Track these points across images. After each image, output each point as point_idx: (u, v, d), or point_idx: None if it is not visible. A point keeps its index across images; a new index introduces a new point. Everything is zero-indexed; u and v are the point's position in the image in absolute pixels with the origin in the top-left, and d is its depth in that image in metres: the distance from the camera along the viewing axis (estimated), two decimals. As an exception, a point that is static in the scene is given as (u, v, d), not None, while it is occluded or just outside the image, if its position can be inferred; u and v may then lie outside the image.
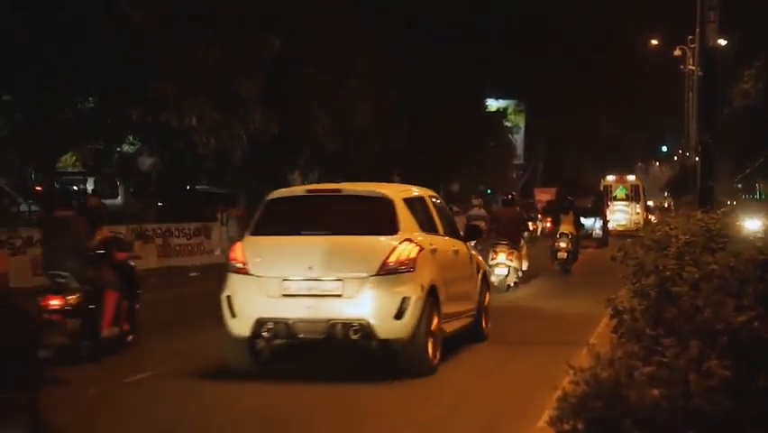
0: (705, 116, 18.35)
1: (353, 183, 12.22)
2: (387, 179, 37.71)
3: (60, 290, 10.73)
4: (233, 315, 9.98)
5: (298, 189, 12.58)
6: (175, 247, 24.71)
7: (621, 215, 44.37)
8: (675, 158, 76.92)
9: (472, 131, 43.91)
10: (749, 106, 51.39)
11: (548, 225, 33.88)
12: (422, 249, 10.16)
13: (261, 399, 9.08)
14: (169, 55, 22.12)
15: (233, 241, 25.53)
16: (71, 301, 10.61)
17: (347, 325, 9.68)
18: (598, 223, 35.27)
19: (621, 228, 40.92)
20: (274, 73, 25.38)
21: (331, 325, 9.69)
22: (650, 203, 57.48)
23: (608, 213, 40.18)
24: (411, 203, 10.88)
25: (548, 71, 51.13)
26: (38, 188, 28.08)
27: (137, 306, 12.01)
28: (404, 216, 10.39)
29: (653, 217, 42.26)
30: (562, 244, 22.79)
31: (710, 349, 3.89)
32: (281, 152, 29.16)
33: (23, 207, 26.89)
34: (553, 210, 26.92)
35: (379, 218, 10.35)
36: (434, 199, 11.88)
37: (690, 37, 38.91)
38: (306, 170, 35.98)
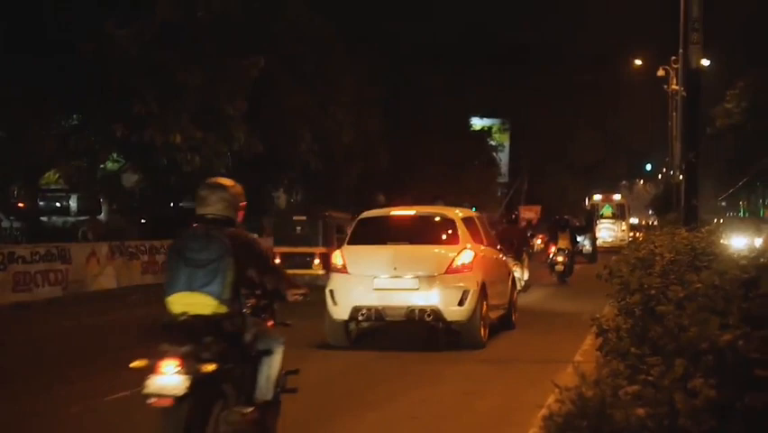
0: (689, 135, 18.40)
1: (424, 206, 16.27)
2: (372, 198, 37.84)
3: None
4: (335, 303, 13.08)
5: (383, 211, 15.72)
6: (159, 264, 24.61)
7: (607, 232, 46.34)
8: (659, 176, 77.24)
9: (457, 149, 44.00)
10: (732, 126, 51.73)
11: (539, 242, 34.95)
12: (476, 255, 13.55)
13: (354, 360, 12.37)
14: (153, 76, 22.12)
15: None
16: None
17: (422, 310, 12.96)
18: (588, 240, 36.80)
19: (607, 245, 42.36)
20: (258, 93, 25.40)
21: (410, 310, 12.99)
22: (634, 220, 58.24)
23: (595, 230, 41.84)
24: (466, 221, 14.28)
25: (531, 91, 51.39)
26: (20, 205, 27.99)
27: None
28: (462, 231, 13.78)
29: (639, 235, 42.71)
30: (560, 258, 25.63)
31: (695, 368, 3.88)
32: (266, 170, 29.15)
33: (5, 224, 26.78)
34: (551, 228, 29.01)
35: (445, 232, 13.84)
36: (479, 219, 15.45)
37: (674, 57, 39.09)
38: (290, 189, 35.97)
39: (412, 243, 13.67)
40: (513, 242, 21.12)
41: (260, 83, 25.19)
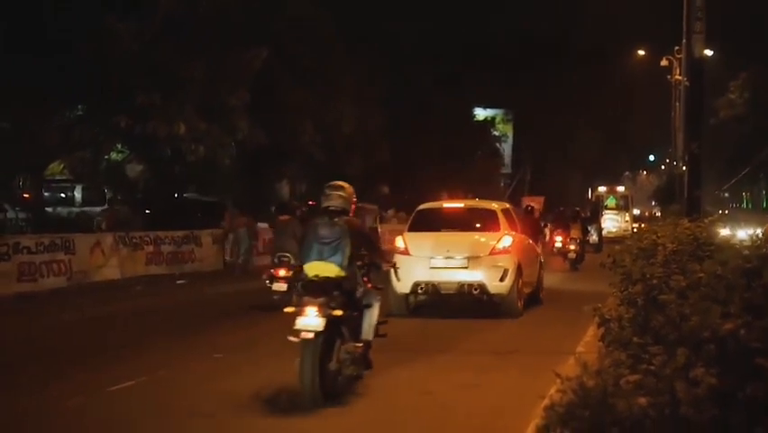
0: (692, 126, 18.39)
1: (469, 200, 20.01)
2: (376, 190, 37.83)
3: (285, 264, 16.14)
4: (398, 279, 15.09)
5: (436, 204, 18.17)
6: (163, 255, 24.66)
7: (611, 222, 48.10)
8: (662, 167, 77.13)
9: (460, 140, 43.95)
10: (735, 116, 51.65)
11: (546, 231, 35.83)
12: (513, 240, 16.02)
13: (413, 327, 14.52)
14: (155, 68, 22.14)
15: (241, 246, 26.32)
16: (289, 271, 15.61)
17: (470, 285, 15.48)
18: (594, 230, 38.03)
19: (612, 235, 43.43)
20: (260, 86, 25.41)
21: (460, 285, 15.51)
22: (636, 212, 58.60)
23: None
24: (504, 212, 16.83)
25: (534, 82, 51.29)
26: (25, 196, 28.01)
27: None
28: (502, 220, 16.28)
29: (642, 226, 43.21)
30: (572, 247, 28.06)
31: (697, 357, 3.89)
32: (269, 161, 29.15)
33: (11, 215, 26.80)
34: (555, 219, 31.43)
35: (488, 221, 16.31)
36: (513, 210, 18.27)
37: (677, 47, 39.01)
38: (293, 180, 35.98)
39: (461, 230, 16.26)
40: (528, 231, 22.04)
41: (261, 77, 25.19)
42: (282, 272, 16.19)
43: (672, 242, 7.96)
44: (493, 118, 54.94)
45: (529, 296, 16.93)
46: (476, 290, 15.48)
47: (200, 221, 27.53)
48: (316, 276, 9.00)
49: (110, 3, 21.88)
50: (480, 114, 53.56)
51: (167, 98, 22.38)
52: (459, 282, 15.49)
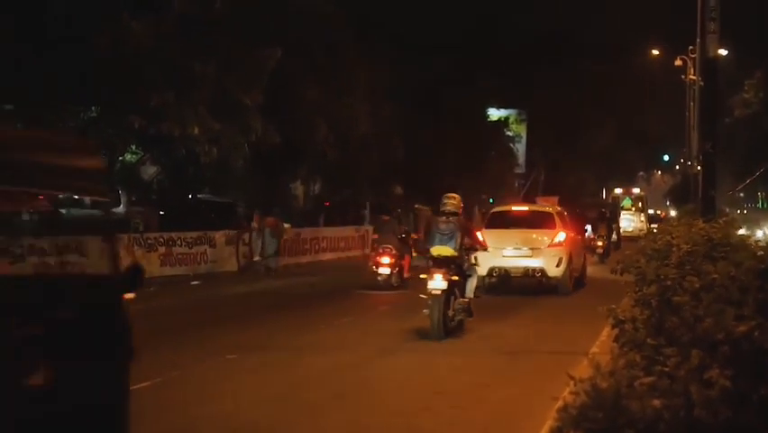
0: (706, 126, 18.32)
1: (532, 204, 27.05)
2: (389, 189, 37.81)
3: (388, 253, 20.78)
4: (478, 265, 16.53)
5: (506, 207, 24.22)
6: (177, 256, 24.70)
7: (627, 222, 51.21)
8: (677, 167, 76.85)
9: (474, 140, 43.87)
10: (750, 116, 51.43)
11: None
12: (566, 236, 20.99)
13: (492, 302, 18.47)
14: (169, 68, 22.15)
15: (268, 247, 27.05)
16: (393, 259, 20.78)
17: (534, 270, 20.53)
18: (614, 229, 40.51)
19: (627, 234, 45.13)
20: (274, 84, 25.41)
21: (526, 270, 20.56)
22: (650, 211, 59.30)
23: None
24: (558, 214, 22.18)
25: (548, 82, 51.16)
26: (40, 197, 28.04)
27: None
28: (557, 220, 21.45)
29: (656, 227, 44.16)
30: (600, 243, 32.59)
31: (711, 359, 3.88)
32: (283, 161, 29.17)
33: (25, 216, 26.86)
34: (593, 220, 34.78)
35: (547, 221, 21.43)
36: (565, 213, 23.11)
37: (691, 47, 38.90)
38: (308, 180, 35.99)
39: (526, 228, 21.09)
40: (575, 229, 25.37)
41: (275, 75, 25.19)
42: (386, 260, 20.67)
43: (686, 243, 7.93)
44: (507, 118, 54.81)
45: (576, 280, 21.55)
46: (538, 273, 20.56)
47: (214, 222, 27.57)
48: (439, 255, 13.93)
49: (124, 1, 21.89)
50: (494, 114, 53.46)
51: (181, 99, 22.39)
52: (524, 267, 20.57)
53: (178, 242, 24.82)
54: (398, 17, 36.65)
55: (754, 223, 27.86)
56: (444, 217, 14.17)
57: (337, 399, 9.56)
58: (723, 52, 26.71)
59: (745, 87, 51.01)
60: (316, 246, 31.80)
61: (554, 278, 20.37)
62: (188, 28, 22.69)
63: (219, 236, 26.38)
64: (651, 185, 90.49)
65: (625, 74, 57.23)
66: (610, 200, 53.91)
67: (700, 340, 4.09)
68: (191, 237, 25.30)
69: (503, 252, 20.14)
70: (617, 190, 56.45)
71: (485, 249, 15.87)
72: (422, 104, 38.71)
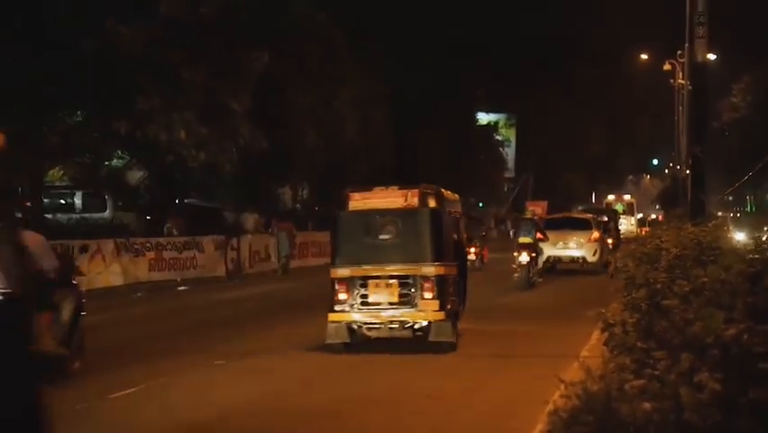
0: (695, 130, 18.38)
1: (575, 212, 37.69)
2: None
3: (527, 248, 24.47)
4: (542, 252, 25.24)
5: (558, 215, 32.44)
6: (166, 261, 24.60)
7: (622, 225, 52.48)
8: (666, 171, 77.15)
9: (463, 144, 43.92)
10: (738, 120, 51.65)
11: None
12: (600, 234, 29.32)
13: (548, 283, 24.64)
14: (156, 72, 22.09)
15: (282, 250, 28.74)
16: (530, 253, 24.96)
17: (577, 258, 28.62)
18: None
19: (622, 236, 45.87)
20: (262, 90, 25.37)
21: (572, 258, 28.61)
22: (639, 215, 60.80)
23: None
24: (593, 220, 30.06)
25: (537, 87, 51.27)
26: (26, 203, 27.94)
27: None
28: (593, 224, 29.50)
29: (645, 230, 45.93)
30: (609, 240, 36.36)
31: (701, 362, 3.86)
32: (271, 166, 29.13)
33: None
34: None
35: (586, 225, 29.41)
36: (597, 218, 31.26)
37: (680, 51, 39.02)
38: (296, 185, 35.92)
39: (572, 229, 29.01)
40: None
41: (263, 80, 25.15)
42: (525, 253, 24.88)
43: (675, 246, 7.92)
44: (496, 123, 54.92)
45: (604, 265, 27.08)
46: (580, 260, 28.61)
47: (201, 227, 27.49)
48: (524, 242, 22.94)
49: (112, 5, 21.82)
50: (483, 118, 53.55)
51: (168, 103, 22.32)
52: (571, 256, 28.66)
53: (167, 246, 24.72)
54: (389, 23, 36.67)
55: (740, 226, 28.64)
56: (527, 220, 24.58)
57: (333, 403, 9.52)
58: (711, 57, 26.79)
59: (734, 91, 51.23)
60: (305, 251, 31.78)
61: (591, 263, 28.34)
62: (176, 32, 22.63)
63: (207, 242, 26.31)
64: (640, 189, 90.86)
65: (614, 78, 57.43)
66: (604, 206, 56.41)
67: (690, 343, 4.07)
68: (179, 242, 25.22)
69: (557, 245, 28.28)
70: (611, 197, 61.70)
71: (547, 239, 25.47)
72: (411, 108, 38.72)
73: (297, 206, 36.21)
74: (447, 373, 11.13)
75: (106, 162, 26.42)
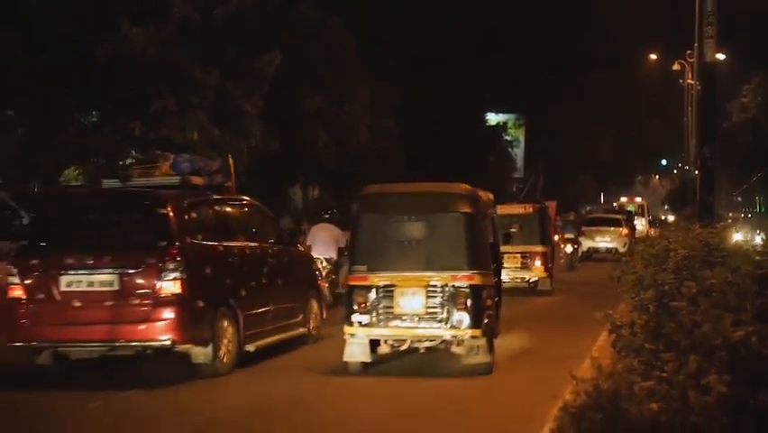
0: (704, 130, 18.36)
1: (610, 212, 47.63)
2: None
3: (571, 241, 34.85)
4: (581, 244, 36.08)
5: (595, 215, 44.45)
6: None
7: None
8: (675, 171, 76.94)
9: (472, 145, 43.90)
10: (748, 120, 51.51)
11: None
12: (628, 231, 39.07)
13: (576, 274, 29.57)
14: (170, 74, 22.20)
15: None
16: (574, 245, 35.00)
17: (611, 248, 37.26)
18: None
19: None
20: (275, 92, 25.45)
21: (607, 249, 37.44)
22: (649, 216, 60.96)
23: None
24: (625, 219, 40.63)
25: (547, 87, 51.22)
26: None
27: None
28: (624, 222, 39.84)
29: (655, 231, 46.20)
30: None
31: (709, 364, 3.91)
32: (282, 167, 29.19)
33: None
34: (578, 224, 43.04)
35: (619, 222, 39.47)
36: (626, 217, 42.67)
37: (689, 51, 38.97)
38: (306, 186, 36.00)
39: (607, 225, 37.90)
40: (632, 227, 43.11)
41: (275, 82, 25.23)
42: (569, 245, 32.85)
43: (683, 248, 7.97)
44: (505, 123, 54.87)
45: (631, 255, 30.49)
46: (613, 251, 35.15)
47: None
48: (568, 237, 32.94)
49: (124, 8, 21.92)
50: (492, 119, 53.51)
51: (181, 104, 22.43)
52: (606, 247, 36.60)
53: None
54: (399, 27, 36.73)
55: (749, 228, 29.46)
56: (568, 220, 32.25)
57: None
58: (721, 57, 26.75)
59: (743, 92, 51.08)
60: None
61: (623, 253, 31.24)
62: (189, 34, 22.73)
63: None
64: (648, 189, 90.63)
65: (623, 78, 57.30)
66: (617, 208, 58.52)
67: (698, 345, 4.12)
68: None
69: (595, 239, 37.05)
70: (623, 199, 65.95)
71: (584, 234, 35.70)
72: (422, 110, 38.74)
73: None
74: (455, 372, 11.15)
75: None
